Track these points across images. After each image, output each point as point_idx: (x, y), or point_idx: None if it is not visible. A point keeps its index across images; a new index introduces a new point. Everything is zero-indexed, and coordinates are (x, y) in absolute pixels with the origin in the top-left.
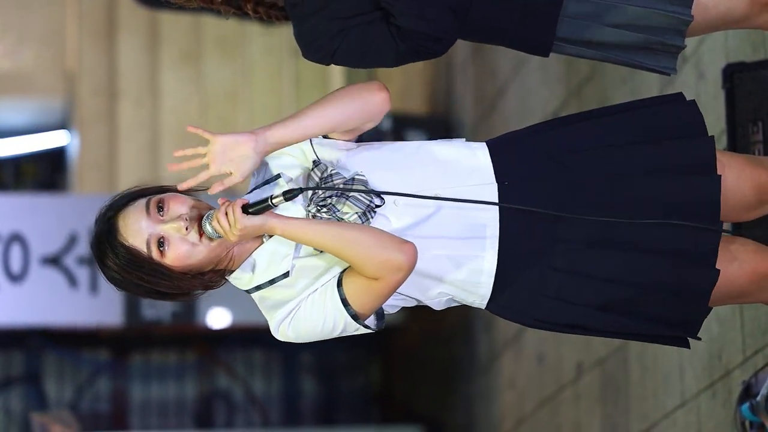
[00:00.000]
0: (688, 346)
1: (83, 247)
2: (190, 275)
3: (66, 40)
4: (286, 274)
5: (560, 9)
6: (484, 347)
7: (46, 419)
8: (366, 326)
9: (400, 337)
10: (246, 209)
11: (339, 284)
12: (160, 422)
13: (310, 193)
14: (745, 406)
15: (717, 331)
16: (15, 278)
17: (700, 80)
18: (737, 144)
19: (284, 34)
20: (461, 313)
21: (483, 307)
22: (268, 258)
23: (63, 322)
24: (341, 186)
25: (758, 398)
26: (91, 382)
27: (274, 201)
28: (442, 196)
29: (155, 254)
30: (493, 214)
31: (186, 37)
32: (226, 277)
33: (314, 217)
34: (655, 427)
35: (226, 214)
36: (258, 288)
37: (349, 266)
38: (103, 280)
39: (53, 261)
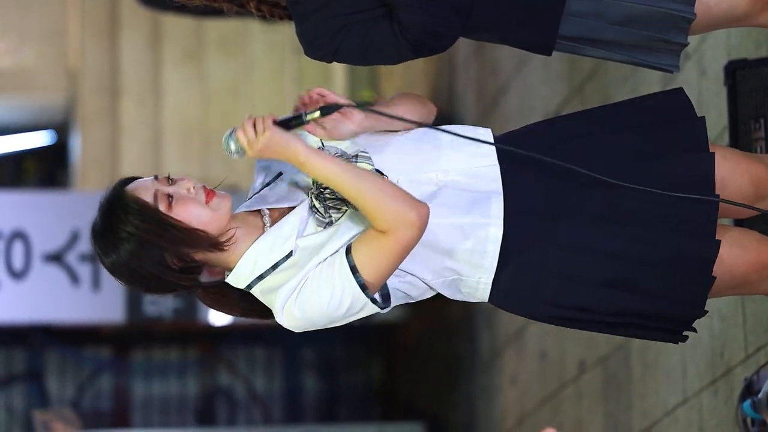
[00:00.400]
0: (684, 338)
1: (85, 244)
2: (199, 232)
3: (68, 38)
4: (289, 255)
5: (563, 8)
6: (485, 344)
7: (48, 417)
8: (374, 300)
9: (402, 334)
10: (276, 124)
11: (347, 252)
12: (162, 419)
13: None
14: (747, 403)
15: (719, 328)
16: (17, 275)
17: (702, 77)
18: (739, 141)
19: (286, 31)
20: (463, 309)
21: (488, 286)
22: (269, 245)
23: (65, 319)
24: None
25: (760, 395)
26: (92, 380)
27: (307, 117)
28: (443, 177)
29: (163, 206)
30: (497, 186)
31: (188, 35)
32: (225, 280)
33: (317, 194)
34: (657, 424)
35: (254, 124)
36: (260, 278)
37: (358, 236)
38: (105, 277)
39: (55, 258)
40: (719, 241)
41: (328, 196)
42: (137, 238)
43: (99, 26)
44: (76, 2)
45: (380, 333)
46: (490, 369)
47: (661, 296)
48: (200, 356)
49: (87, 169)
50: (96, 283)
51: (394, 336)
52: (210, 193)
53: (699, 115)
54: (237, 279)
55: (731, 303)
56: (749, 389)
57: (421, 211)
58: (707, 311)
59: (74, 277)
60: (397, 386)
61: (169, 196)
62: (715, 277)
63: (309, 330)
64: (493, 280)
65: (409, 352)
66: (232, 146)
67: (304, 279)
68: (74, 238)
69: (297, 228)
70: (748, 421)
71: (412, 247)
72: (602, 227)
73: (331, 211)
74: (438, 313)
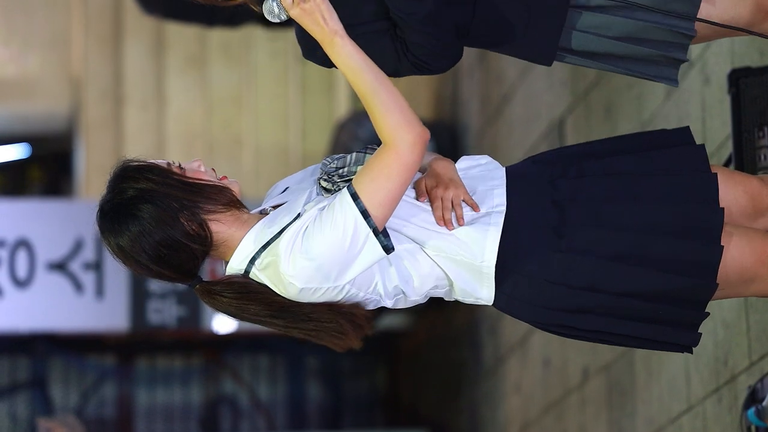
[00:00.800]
0: (689, 349)
1: (89, 253)
2: (217, 185)
3: (72, 45)
4: (296, 218)
5: (564, 21)
6: (489, 351)
7: (52, 424)
8: (376, 232)
9: (406, 340)
10: None
11: (349, 185)
12: (166, 427)
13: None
14: (751, 411)
15: (723, 336)
16: (21, 284)
17: (705, 85)
18: (743, 149)
19: (290, 39)
20: (467, 317)
21: (491, 270)
22: (272, 218)
23: (69, 327)
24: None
25: (764, 403)
26: (96, 388)
27: None
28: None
29: (177, 171)
30: (500, 190)
31: (191, 43)
32: (226, 268)
33: (323, 186)
34: None
35: None
36: (265, 246)
37: (359, 171)
38: (109, 285)
39: (59, 266)
40: (723, 209)
41: (336, 180)
42: (151, 193)
43: (103, 34)
44: (80, 10)
45: (384, 340)
46: (494, 376)
47: (668, 270)
48: (204, 364)
49: (91, 177)
50: (100, 291)
51: (398, 343)
52: (222, 177)
53: (702, 123)
54: (238, 260)
55: (735, 310)
56: (753, 397)
57: (425, 134)
58: (709, 312)
59: (78, 286)
60: (401, 393)
61: (181, 168)
62: (722, 248)
63: (318, 286)
64: (496, 284)
65: (413, 359)
66: (276, 8)
67: (307, 224)
68: (78, 246)
69: (304, 199)
70: (752, 429)
71: (412, 170)
72: (606, 236)
73: (339, 184)
74: (442, 320)
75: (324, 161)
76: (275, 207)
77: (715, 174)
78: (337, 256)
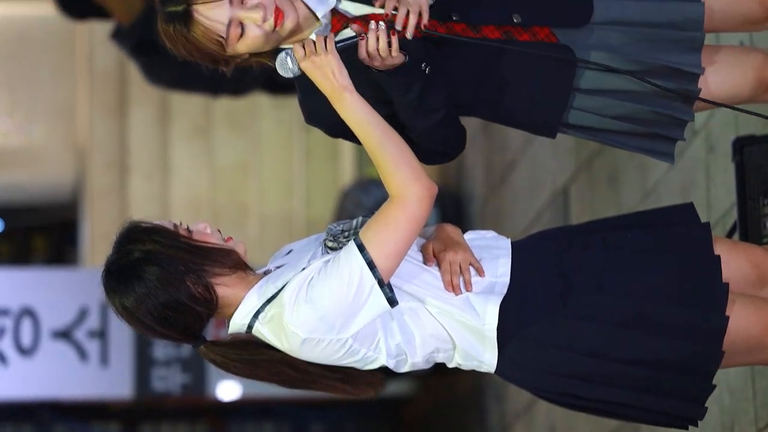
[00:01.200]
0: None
1: (94, 321)
2: (224, 248)
3: (77, 114)
4: (301, 271)
5: (567, 101)
6: (495, 418)
7: None
8: (381, 284)
9: (411, 407)
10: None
11: (356, 237)
12: None
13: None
14: None
15: (729, 402)
16: (26, 352)
17: (710, 153)
18: (748, 217)
19: (294, 107)
20: (472, 383)
21: (493, 333)
22: (277, 275)
23: (73, 395)
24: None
25: None
26: None
27: (360, 36)
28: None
29: (184, 233)
30: (505, 260)
31: (197, 111)
32: (229, 326)
33: (329, 246)
34: None
35: (315, 42)
36: (270, 300)
37: (365, 224)
38: (113, 353)
39: (63, 334)
40: (727, 284)
41: (342, 239)
42: (158, 256)
43: (108, 103)
44: (85, 79)
45: (389, 407)
46: None
47: (671, 365)
48: (209, 431)
49: (96, 245)
50: (104, 358)
51: (402, 410)
52: (227, 238)
53: (707, 191)
54: (241, 316)
55: (742, 377)
56: None
57: (433, 188)
58: (715, 385)
59: (82, 353)
60: None
61: (188, 230)
62: (723, 352)
63: (321, 337)
64: (499, 348)
65: (419, 426)
66: (289, 62)
67: (312, 274)
68: (82, 314)
69: (307, 258)
70: None
71: (419, 224)
72: (610, 302)
73: (344, 241)
74: (447, 386)
75: (329, 227)
76: (279, 267)
77: (718, 256)
78: (341, 306)
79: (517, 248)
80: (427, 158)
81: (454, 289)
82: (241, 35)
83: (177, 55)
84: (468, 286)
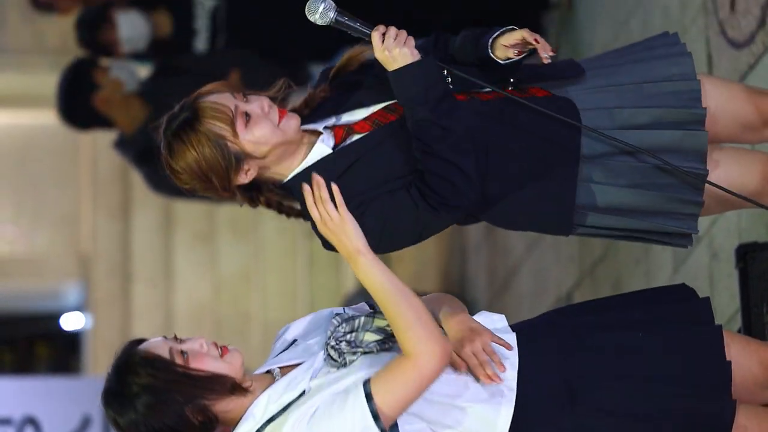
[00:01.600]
0: None
1: (96, 430)
2: (220, 376)
3: (80, 222)
4: (302, 394)
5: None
6: None
7: None
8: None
9: None
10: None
11: (365, 383)
12: None
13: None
14: None
15: None
16: None
17: (713, 260)
18: (752, 324)
19: None
20: None
21: None
22: (282, 388)
23: None
24: None
25: None
26: None
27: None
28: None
29: (179, 360)
30: (512, 360)
31: (200, 218)
32: None
33: (334, 345)
34: None
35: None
36: (271, 420)
37: (377, 370)
38: None
39: None
40: (730, 362)
41: (344, 348)
42: (154, 389)
43: (111, 210)
44: (89, 187)
45: None
46: None
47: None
48: None
49: (98, 353)
50: None
51: None
52: (223, 349)
53: (711, 297)
54: (246, 426)
55: None
56: None
57: (447, 347)
58: None
59: None
60: None
61: (183, 353)
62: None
63: None
64: None
65: None
66: (322, 6)
67: (316, 407)
68: (86, 423)
69: (310, 372)
70: None
71: (430, 381)
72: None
73: (345, 355)
74: None
75: (333, 320)
76: (282, 368)
77: (720, 326)
78: None
79: (522, 339)
80: (438, 179)
81: (492, 378)
82: (247, 123)
83: (182, 186)
84: (500, 366)
